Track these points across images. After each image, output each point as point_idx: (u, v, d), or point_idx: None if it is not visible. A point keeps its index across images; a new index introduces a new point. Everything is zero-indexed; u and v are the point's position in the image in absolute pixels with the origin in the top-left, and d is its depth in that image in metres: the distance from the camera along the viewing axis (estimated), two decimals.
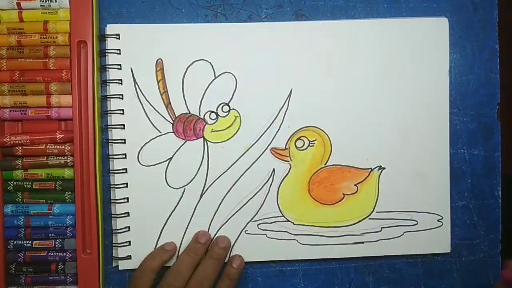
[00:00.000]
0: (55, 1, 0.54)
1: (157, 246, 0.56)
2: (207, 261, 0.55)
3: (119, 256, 0.56)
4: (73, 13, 0.54)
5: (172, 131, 0.56)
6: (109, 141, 0.56)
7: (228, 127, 0.57)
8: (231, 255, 0.57)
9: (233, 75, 0.56)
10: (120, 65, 0.56)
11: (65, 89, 0.55)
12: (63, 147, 0.55)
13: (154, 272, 0.54)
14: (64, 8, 0.55)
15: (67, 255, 0.56)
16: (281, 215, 0.57)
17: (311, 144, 0.57)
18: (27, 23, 0.55)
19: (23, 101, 0.55)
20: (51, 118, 0.55)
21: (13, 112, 0.55)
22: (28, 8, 0.55)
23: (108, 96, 0.56)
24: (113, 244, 0.56)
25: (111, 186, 0.56)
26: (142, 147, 0.56)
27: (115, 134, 0.56)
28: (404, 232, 0.58)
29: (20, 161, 0.55)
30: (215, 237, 0.57)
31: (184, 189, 0.57)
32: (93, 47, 0.54)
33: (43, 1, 0.54)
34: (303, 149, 0.57)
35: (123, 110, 0.56)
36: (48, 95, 0.55)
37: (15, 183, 0.56)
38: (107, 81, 0.55)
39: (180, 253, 0.56)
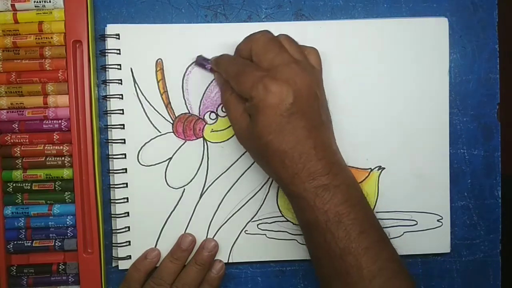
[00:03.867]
0: (50, 2, 0.53)
1: (157, 244, 0.55)
2: (191, 267, 0.53)
3: (119, 256, 0.54)
4: (67, 13, 0.53)
5: (172, 131, 0.54)
6: (109, 141, 0.54)
7: (228, 127, 0.55)
8: (231, 255, 0.55)
9: None
10: (120, 65, 0.54)
11: (62, 89, 0.53)
12: (61, 147, 0.54)
13: (140, 282, 0.53)
14: (59, 8, 0.53)
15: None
16: (280, 215, 0.56)
17: None
18: (22, 24, 0.53)
19: (20, 102, 0.53)
20: (48, 118, 0.54)
21: (10, 113, 0.53)
22: (22, 9, 0.53)
23: (108, 96, 0.54)
24: (113, 244, 0.55)
25: (111, 186, 0.54)
26: (142, 147, 0.54)
27: (115, 134, 0.54)
28: (404, 232, 0.56)
29: (19, 161, 0.53)
30: (203, 240, 0.55)
31: (184, 189, 0.55)
32: (88, 47, 0.53)
33: (37, 2, 0.53)
34: None
35: (123, 110, 0.54)
36: (44, 95, 0.54)
37: (14, 185, 0.54)
38: (107, 81, 0.54)
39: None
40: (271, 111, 0.44)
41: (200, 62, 0.53)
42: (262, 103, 0.44)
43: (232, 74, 0.48)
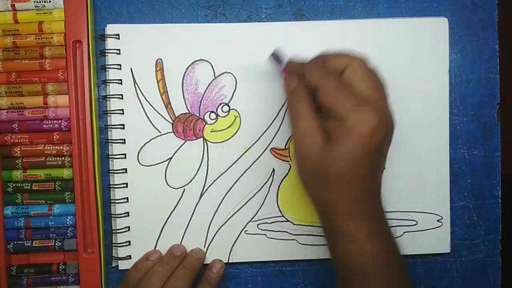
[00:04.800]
0: (50, 2, 0.52)
1: (157, 244, 0.54)
2: (179, 271, 0.53)
3: (119, 256, 0.54)
4: (67, 13, 0.53)
5: (172, 131, 0.54)
6: (109, 141, 0.54)
7: (228, 127, 0.55)
8: (231, 255, 0.55)
9: (233, 75, 0.55)
10: (120, 65, 0.54)
11: (62, 89, 0.53)
12: (61, 147, 0.53)
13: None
14: (59, 8, 0.53)
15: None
16: (281, 215, 0.55)
17: None
18: (22, 24, 0.53)
19: (20, 102, 0.53)
20: (48, 118, 0.53)
21: (10, 113, 0.53)
22: (22, 9, 0.53)
23: (108, 96, 0.54)
24: (113, 244, 0.55)
25: (111, 186, 0.54)
26: (142, 147, 0.54)
27: (115, 134, 0.54)
28: (404, 232, 0.56)
29: (19, 161, 0.53)
30: (191, 250, 0.55)
31: (184, 189, 0.55)
32: (88, 47, 0.53)
33: (37, 2, 0.52)
34: None
35: (123, 110, 0.54)
36: (44, 95, 0.53)
37: (14, 185, 0.54)
38: (107, 81, 0.54)
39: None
40: (360, 141, 0.41)
41: (276, 57, 0.49)
42: (355, 129, 0.41)
43: (329, 86, 0.43)
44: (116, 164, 0.54)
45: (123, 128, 0.54)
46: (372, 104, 0.42)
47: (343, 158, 0.41)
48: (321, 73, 0.45)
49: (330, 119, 0.43)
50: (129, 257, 0.54)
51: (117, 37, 0.54)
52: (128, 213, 0.54)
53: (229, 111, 0.55)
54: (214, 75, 0.54)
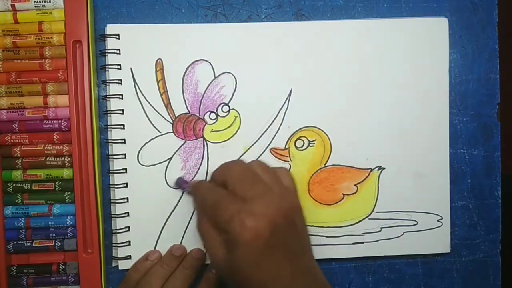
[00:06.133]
0: (50, 2, 0.52)
1: (157, 245, 0.54)
2: (179, 271, 0.53)
3: (119, 256, 0.54)
4: (67, 13, 0.53)
5: (172, 131, 0.54)
6: (109, 141, 0.54)
7: (228, 127, 0.55)
8: None
9: (233, 75, 0.55)
10: (120, 65, 0.54)
11: (62, 89, 0.53)
12: (61, 147, 0.53)
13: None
14: (59, 8, 0.53)
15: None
16: None
17: (310, 144, 0.55)
18: (22, 24, 0.53)
19: (20, 102, 0.53)
20: (48, 118, 0.53)
21: (10, 113, 0.53)
22: (22, 9, 0.53)
23: (108, 96, 0.54)
24: (113, 244, 0.55)
25: (111, 186, 0.54)
26: (142, 147, 0.54)
27: (115, 134, 0.54)
28: (404, 232, 0.56)
29: (19, 161, 0.53)
30: (191, 250, 0.55)
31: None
32: (88, 47, 0.53)
33: (37, 2, 0.53)
34: (303, 149, 0.55)
35: (123, 110, 0.54)
36: (44, 95, 0.53)
37: (14, 185, 0.54)
38: (107, 81, 0.54)
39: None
40: (248, 247, 0.43)
41: (180, 184, 0.54)
42: (238, 238, 0.43)
43: (209, 204, 0.48)
44: (116, 164, 0.54)
45: (123, 128, 0.54)
46: (246, 209, 0.44)
47: (241, 266, 0.44)
48: (203, 192, 0.50)
49: (223, 233, 0.45)
50: (129, 257, 0.54)
51: (117, 37, 0.54)
52: (128, 213, 0.54)
53: (229, 111, 0.55)
54: (214, 75, 0.54)
